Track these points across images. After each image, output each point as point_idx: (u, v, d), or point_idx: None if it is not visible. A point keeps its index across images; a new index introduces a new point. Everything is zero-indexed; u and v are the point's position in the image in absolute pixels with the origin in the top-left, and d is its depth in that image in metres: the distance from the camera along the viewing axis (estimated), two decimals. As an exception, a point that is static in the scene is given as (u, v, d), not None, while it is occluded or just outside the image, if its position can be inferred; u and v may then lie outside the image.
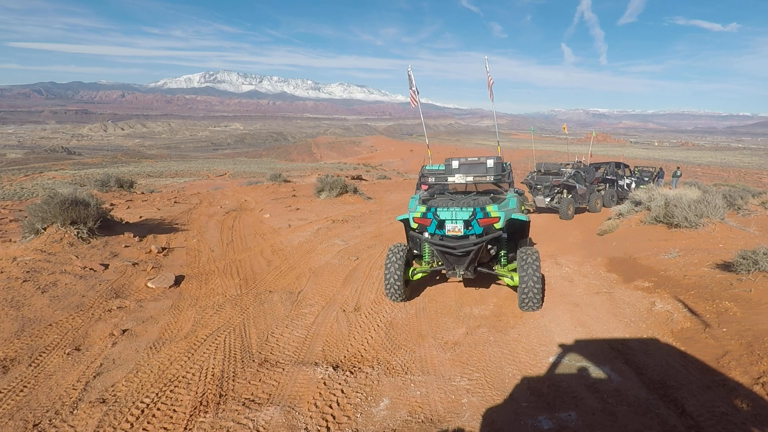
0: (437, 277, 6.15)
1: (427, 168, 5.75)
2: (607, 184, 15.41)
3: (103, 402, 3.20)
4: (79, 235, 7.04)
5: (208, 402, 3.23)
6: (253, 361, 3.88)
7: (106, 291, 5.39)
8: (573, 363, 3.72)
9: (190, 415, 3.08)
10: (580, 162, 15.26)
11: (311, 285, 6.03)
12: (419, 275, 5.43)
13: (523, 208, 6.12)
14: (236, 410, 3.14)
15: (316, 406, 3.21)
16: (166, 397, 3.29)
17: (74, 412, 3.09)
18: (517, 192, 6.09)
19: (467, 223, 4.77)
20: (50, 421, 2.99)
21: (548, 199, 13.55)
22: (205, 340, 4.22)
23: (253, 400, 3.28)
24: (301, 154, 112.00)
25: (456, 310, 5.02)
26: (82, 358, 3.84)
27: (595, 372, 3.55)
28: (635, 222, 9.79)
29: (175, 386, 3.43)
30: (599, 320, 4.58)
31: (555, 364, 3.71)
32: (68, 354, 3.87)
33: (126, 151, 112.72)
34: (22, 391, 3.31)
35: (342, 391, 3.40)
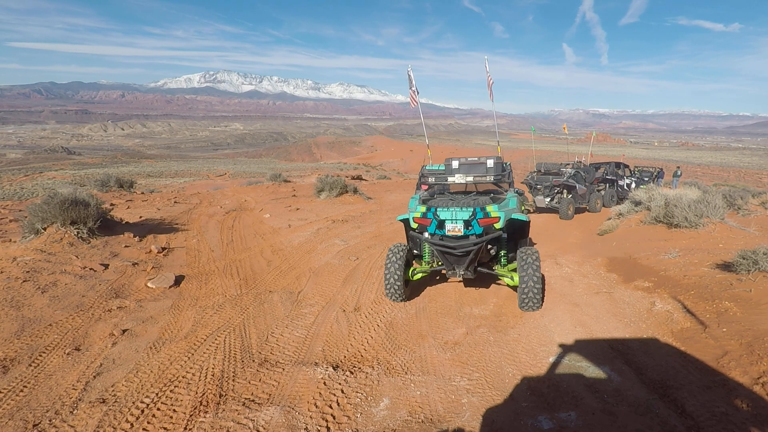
0: (437, 277, 6.15)
1: (427, 168, 5.75)
2: (607, 184, 15.41)
3: (103, 402, 3.21)
4: (79, 235, 7.04)
5: (208, 402, 3.24)
6: (253, 361, 3.88)
7: (106, 291, 5.39)
8: (573, 363, 3.72)
9: (190, 415, 3.08)
10: (580, 162, 15.26)
11: (311, 285, 6.03)
12: (419, 275, 5.43)
13: (523, 208, 6.11)
14: (236, 410, 3.14)
15: (316, 406, 3.21)
16: (166, 397, 3.29)
17: (74, 412, 3.09)
18: (517, 192, 6.09)
19: (467, 223, 4.78)
20: (50, 421, 2.99)
21: (548, 199, 13.55)
22: (205, 340, 4.22)
23: (253, 400, 3.28)
24: (301, 154, 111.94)
25: (456, 310, 5.02)
26: (82, 358, 3.84)
27: (595, 372, 3.55)
28: (635, 222, 9.79)
29: (175, 386, 3.43)
30: (599, 320, 4.58)
31: (555, 364, 3.71)
32: (68, 354, 3.87)
33: (126, 151, 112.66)
34: (22, 391, 3.31)
35: (342, 391, 3.40)
